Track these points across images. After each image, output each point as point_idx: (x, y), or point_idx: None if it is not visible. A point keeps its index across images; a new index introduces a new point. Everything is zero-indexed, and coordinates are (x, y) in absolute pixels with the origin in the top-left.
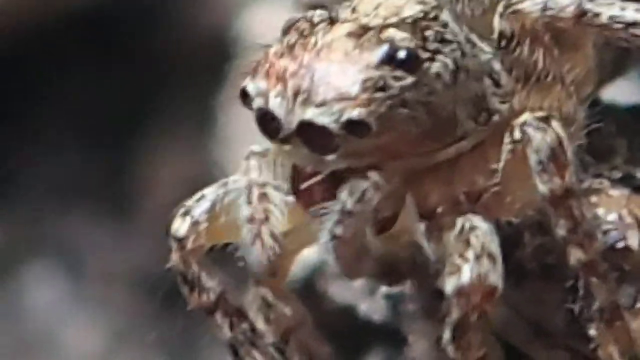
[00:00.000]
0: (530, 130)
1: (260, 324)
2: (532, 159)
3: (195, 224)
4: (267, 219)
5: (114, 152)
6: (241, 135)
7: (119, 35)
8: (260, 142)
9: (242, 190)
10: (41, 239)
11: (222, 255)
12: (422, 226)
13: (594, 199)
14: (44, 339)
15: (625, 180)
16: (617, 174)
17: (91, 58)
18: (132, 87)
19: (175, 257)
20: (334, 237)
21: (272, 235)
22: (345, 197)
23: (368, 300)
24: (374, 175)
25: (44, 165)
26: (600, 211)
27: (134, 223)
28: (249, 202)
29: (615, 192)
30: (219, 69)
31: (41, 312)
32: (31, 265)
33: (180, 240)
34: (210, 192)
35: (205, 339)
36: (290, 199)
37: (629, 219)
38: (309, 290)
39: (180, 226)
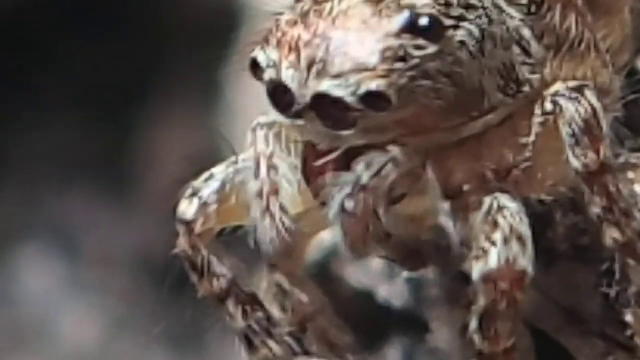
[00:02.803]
0: (562, 101)
1: (276, 312)
2: (565, 131)
3: (203, 205)
4: (276, 191)
5: (115, 126)
6: (249, 108)
7: (122, 3)
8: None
9: (250, 165)
10: (35, 219)
11: (234, 239)
12: (446, 206)
13: (630, 174)
14: (38, 326)
15: None
16: None
17: (92, 27)
18: (134, 57)
19: (182, 242)
20: (343, 210)
21: (282, 209)
22: (362, 170)
23: (387, 285)
24: (394, 150)
25: (39, 139)
26: (638, 188)
27: (135, 202)
28: (257, 176)
29: None
30: (225, 37)
31: (35, 297)
32: (25, 246)
33: (188, 224)
34: (219, 171)
35: (215, 329)
36: (302, 179)
37: None
38: (323, 274)
39: (187, 208)
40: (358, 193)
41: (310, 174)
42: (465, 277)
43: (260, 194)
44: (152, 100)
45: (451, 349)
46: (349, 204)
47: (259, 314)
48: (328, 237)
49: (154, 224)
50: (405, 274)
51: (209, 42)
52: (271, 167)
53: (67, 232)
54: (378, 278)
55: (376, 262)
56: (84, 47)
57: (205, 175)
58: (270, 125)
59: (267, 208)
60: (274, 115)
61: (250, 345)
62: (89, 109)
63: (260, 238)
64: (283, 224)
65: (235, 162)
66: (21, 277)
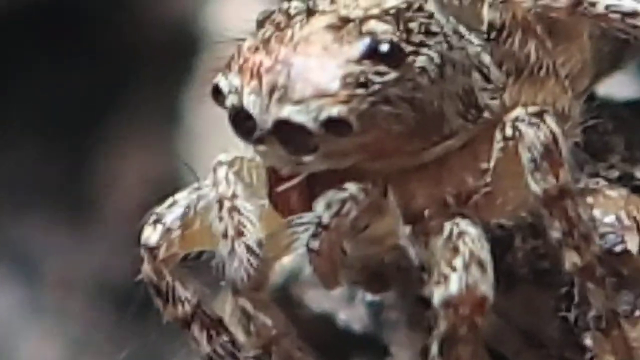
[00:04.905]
0: (522, 126)
1: (240, 336)
2: (525, 156)
3: (167, 231)
4: (240, 233)
5: (73, 150)
6: (209, 134)
7: (80, 27)
8: (230, 141)
9: (213, 203)
10: None
11: (198, 264)
12: (407, 230)
13: (590, 199)
14: None
15: (623, 180)
16: (615, 173)
17: (49, 51)
18: (93, 82)
19: (147, 268)
20: (310, 250)
21: (248, 249)
22: (322, 210)
23: (347, 309)
24: (352, 188)
25: None
26: (597, 213)
27: (94, 226)
28: (220, 218)
29: (612, 193)
30: (185, 63)
31: None
32: None
33: (152, 250)
34: (182, 198)
35: (178, 355)
36: (266, 203)
37: (627, 221)
38: (284, 298)
39: (151, 235)
40: (321, 233)
41: (276, 199)
42: (425, 301)
43: (225, 235)
44: (112, 125)
45: None
46: (314, 244)
47: (224, 338)
48: (289, 261)
49: (113, 248)
50: (364, 296)
51: (169, 67)
52: (234, 209)
53: (26, 256)
54: (338, 302)
55: None
56: (43, 70)
57: (169, 201)
58: (230, 163)
59: (233, 249)
60: (235, 145)
61: None
62: (48, 133)
63: (230, 275)
64: (250, 264)
65: (198, 189)
66: None
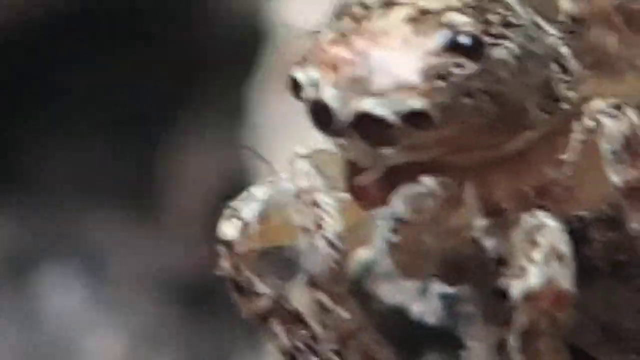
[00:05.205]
0: (602, 118)
1: (318, 330)
2: (605, 148)
3: (245, 225)
4: (320, 226)
5: (141, 146)
6: (278, 128)
7: (148, 24)
8: (297, 135)
9: (291, 197)
10: (61, 238)
11: (275, 258)
12: (484, 222)
13: None
14: (63, 347)
15: None
16: None
17: (120, 46)
18: (162, 77)
19: (225, 262)
20: (390, 244)
21: (328, 242)
22: (400, 205)
23: (421, 301)
24: (430, 182)
25: (65, 160)
26: None
27: (162, 222)
28: (299, 212)
29: None
30: (254, 56)
31: (60, 317)
32: (49, 266)
33: (229, 244)
34: (259, 191)
35: (242, 351)
36: (345, 196)
37: None
38: (358, 291)
39: (228, 229)
40: (401, 228)
41: (355, 192)
42: (501, 294)
43: (305, 229)
44: (180, 120)
45: None
46: (395, 239)
47: (304, 332)
48: (363, 254)
49: (180, 243)
50: (438, 289)
51: (237, 62)
52: (313, 203)
53: (93, 251)
54: (412, 295)
55: None
56: (111, 68)
57: (245, 194)
58: (309, 156)
59: (313, 243)
60: (303, 138)
61: None
62: (116, 130)
63: (308, 268)
64: (330, 257)
65: (275, 182)
66: (47, 298)
